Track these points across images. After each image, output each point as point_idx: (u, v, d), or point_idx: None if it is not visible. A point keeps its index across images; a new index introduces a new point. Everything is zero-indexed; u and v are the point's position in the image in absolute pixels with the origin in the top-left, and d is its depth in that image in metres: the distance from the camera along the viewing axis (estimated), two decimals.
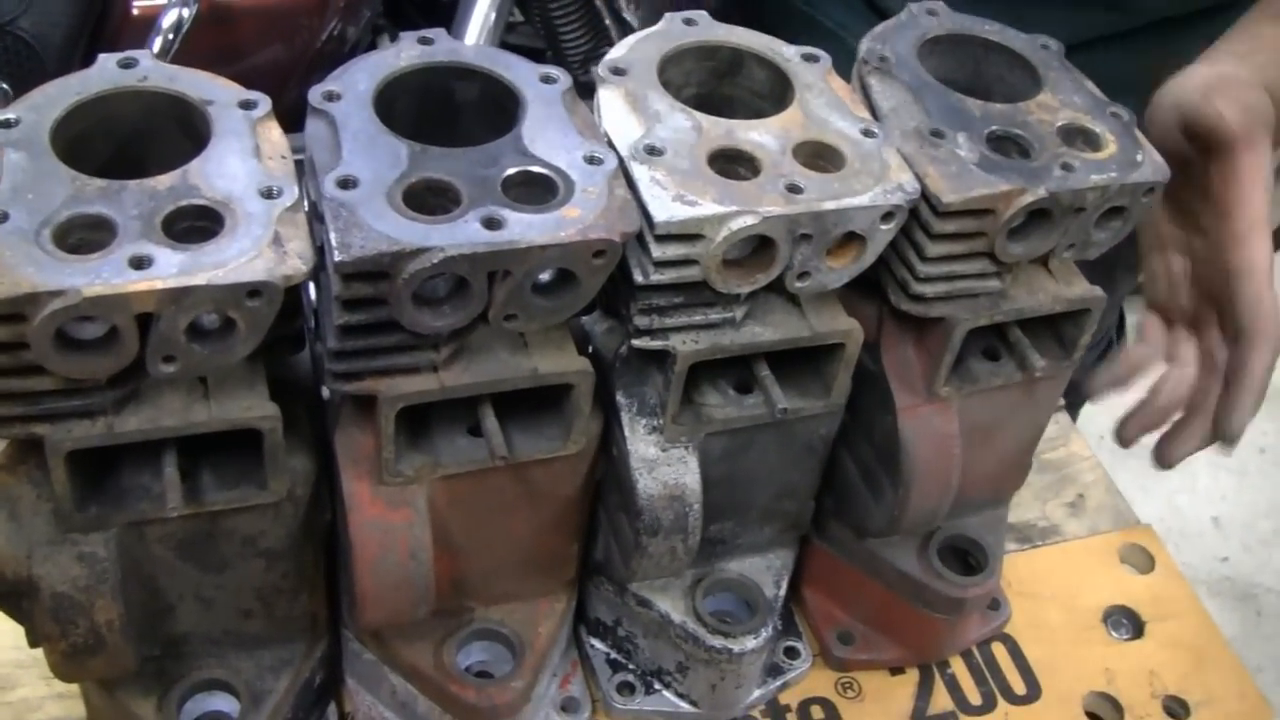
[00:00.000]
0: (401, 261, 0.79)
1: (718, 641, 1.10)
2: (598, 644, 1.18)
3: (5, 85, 2.05)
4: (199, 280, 0.76)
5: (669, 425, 0.97)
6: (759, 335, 0.95)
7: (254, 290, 0.77)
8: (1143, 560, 1.40)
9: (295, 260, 0.79)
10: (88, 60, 2.22)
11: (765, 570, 1.15)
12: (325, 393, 0.95)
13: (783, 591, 1.15)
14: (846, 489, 1.13)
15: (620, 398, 0.97)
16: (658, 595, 1.10)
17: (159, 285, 0.76)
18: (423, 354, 0.86)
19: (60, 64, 2.10)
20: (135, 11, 2.37)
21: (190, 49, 2.13)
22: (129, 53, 0.92)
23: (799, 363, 1.00)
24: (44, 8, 2.06)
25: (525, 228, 0.81)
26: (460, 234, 0.80)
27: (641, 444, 0.97)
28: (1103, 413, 3.71)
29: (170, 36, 2.12)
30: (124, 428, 0.83)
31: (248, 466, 0.90)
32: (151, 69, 0.91)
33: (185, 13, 2.10)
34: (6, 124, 0.85)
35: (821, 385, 1.01)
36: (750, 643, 1.10)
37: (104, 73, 0.91)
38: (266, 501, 0.90)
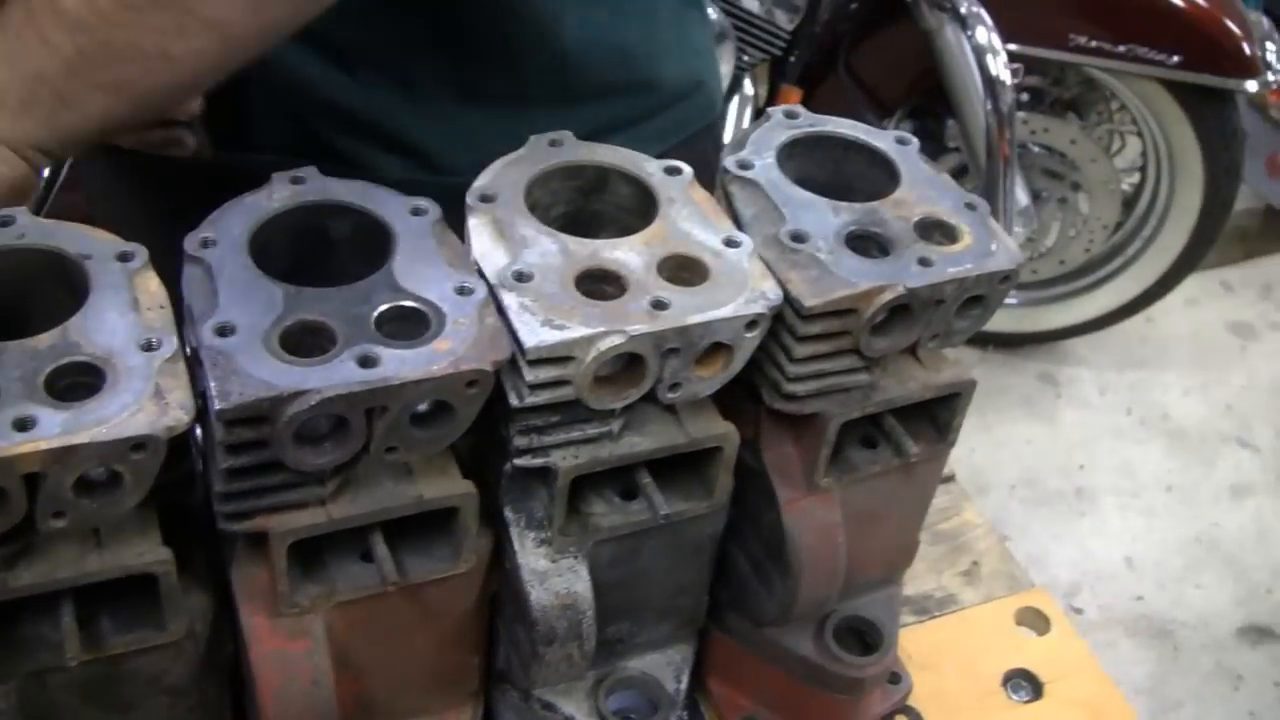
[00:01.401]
0: (280, 405, 0.82)
1: None
2: None
3: None
4: (82, 439, 0.79)
5: (556, 537, 1.00)
6: (637, 445, 0.98)
7: (138, 444, 0.80)
8: (1039, 622, 1.44)
9: (177, 411, 0.81)
10: None
11: (665, 665, 1.17)
12: None
13: (684, 685, 1.17)
14: (739, 581, 1.17)
15: (508, 513, 1.00)
16: (561, 699, 1.13)
17: (43, 445, 0.78)
18: (309, 490, 0.88)
19: None
20: None
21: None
22: (3, 210, 0.94)
23: (680, 465, 1.03)
24: None
25: (399, 364, 0.84)
26: (336, 374, 0.83)
27: (531, 557, 1.00)
28: (1012, 462, 3.76)
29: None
30: (18, 582, 0.85)
31: (146, 607, 0.91)
32: (28, 225, 0.93)
33: None
34: None
35: (703, 487, 1.04)
36: None
37: None
38: (166, 641, 0.92)
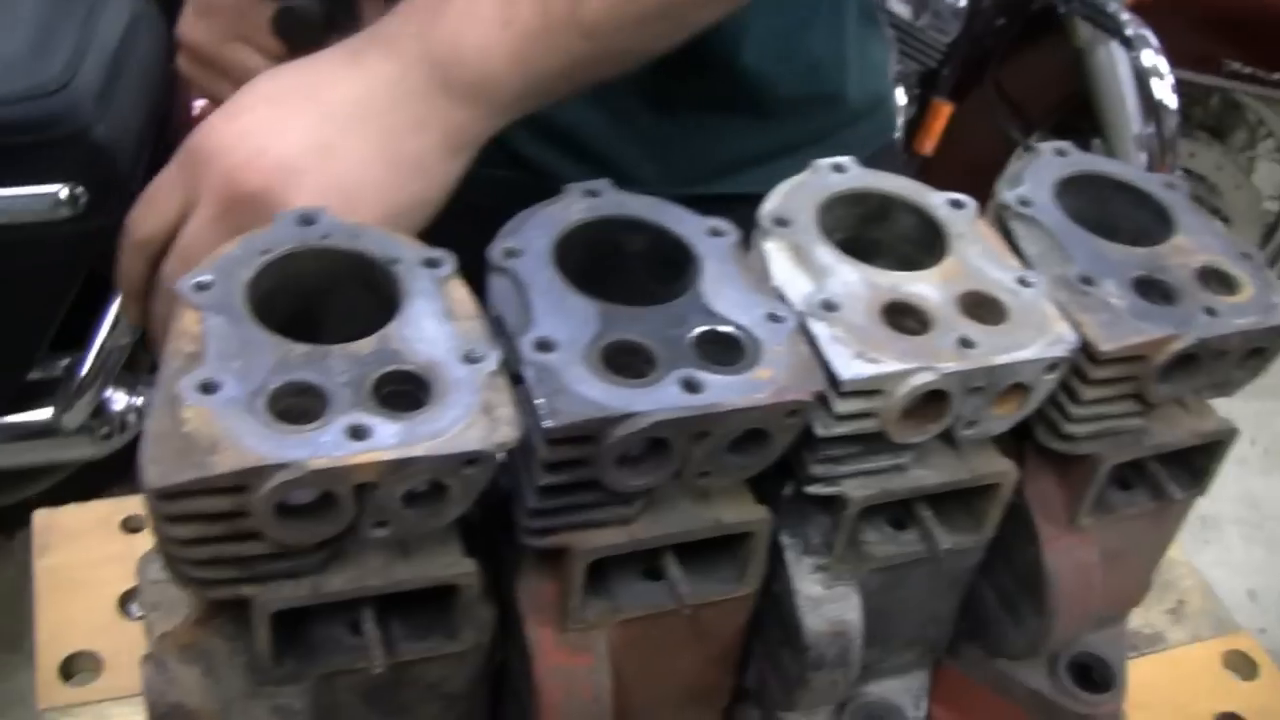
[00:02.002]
0: (609, 427, 0.82)
1: None
2: None
3: (80, 188, 2.07)
4: (419, 451, 0.78)
5: (834, 564, 0.99)
6: (923, 479, 0.97)
7: (471, 459, 0.80)
8: (1245, 666, 1.42)
9: (506, 428, 0.81)
10: (152, 164, 2.28)
11: (905, 692, 1.17)
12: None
13: (923, 713, 1.17)
14: (982, 613, 1.16)
15: (785, 538, 1.00)
16: None
17: (381, 457, 0.78)
18: (616, 509, 0.88)
19: (131, 167, 2.13)
20: (196, 111, 2.41)
21: None
22: (306, 208, 0.94)
23: (950, 499, 1.02)
24: (119, 113, 2.09)
25: (723, 390, 0.84)
26: (663, 398, 0.83)
27: (807, 583, 1.00)
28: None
29: None
30: (329, 587, 0.85)
31: (433, 617, 0.92)
32: (330, 225, 0.94)
33: None
34: (200, 286, 0.88)
35: (973, 521, 1.03)
36: None
37: (284, 229, 0.93)
38: (457, 650, 0.92)
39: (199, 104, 2.43)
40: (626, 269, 0.99)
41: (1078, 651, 1.22)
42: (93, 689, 1.27)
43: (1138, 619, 1.44)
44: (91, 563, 1.38)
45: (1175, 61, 3.08)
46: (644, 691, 1.02)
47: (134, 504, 1.43)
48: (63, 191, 2.05)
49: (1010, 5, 3.14)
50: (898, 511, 1.02)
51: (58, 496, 3.15)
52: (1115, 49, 2.88)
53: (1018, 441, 1.07)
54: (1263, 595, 3.38)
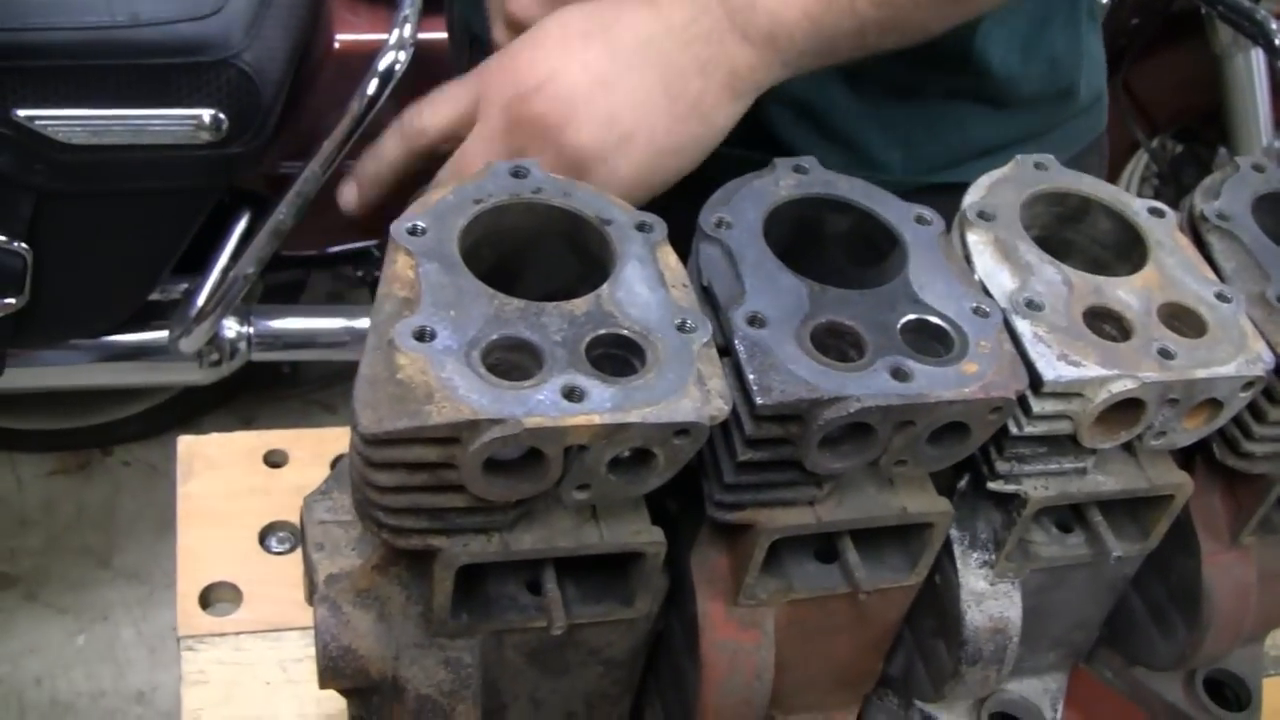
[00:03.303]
0: (818, 408, 0.82)
1: None
2: None
3: (223, 115, 2.09)
4: (633, 418, 0.79)
5: (1002, 562, 0.99)
6: (1102, 485, 0.97)
7: (682, 429, 0.80)
8: None
9: (718, 400, 0.81)
10: (291, 97, 2.27)
11: (1043, 693, 1.17)
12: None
13: (1059, 715, 1.17)
14: (1128, 621, 1.16)
15: (954, 531, 1.00)
16: (943, 712, 1.13)
17: (596, 420, 0.78)
18: (806, 490, 0.89)
19: (273, 97, 2.14)
20: (338, 46, 2.42)
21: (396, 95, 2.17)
22: (520, 161, 0.95)
23: (1117, 506, 1.02)
24: (266, 41, 2.11)
25: (931, 381, 0.84)
26: (874, 384, 0.83)
27: (972, 577, 1.00)
28: None
29: (380, 82, 2.15)
30: (519, 545, 0.85)
31: (607, 582, 0.92)
32: (543, 180, 0.94)
33: (401, 57, 2.13)
34: (414, 230, 0.88)
35: (1139, 530, 1.03)
36: None
37: (496, 180, 0.93)
38: (630, 617, 0.93)
39: (343, 36, 2.44)
40: (825, 248, 0.99)
41: (1214, 668, 1.22)
42: (231, 620, 1.28)
43: (1269, 639, 1.43)
44: (233, 493, 1.39)
45: None
46: (799, 671, 1.03)
47: (276, 438, 1.45)
48: (206, 115, 2.07)
49: (1147, 5, 3.11)
50: (1064, 514, 1.02)
51: (152, 420, 3.21)
52: (1256, 56, 2.84)
53: (1187, 456, 1.06)
54: None
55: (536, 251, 0.95)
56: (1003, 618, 1.00)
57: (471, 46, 1.48)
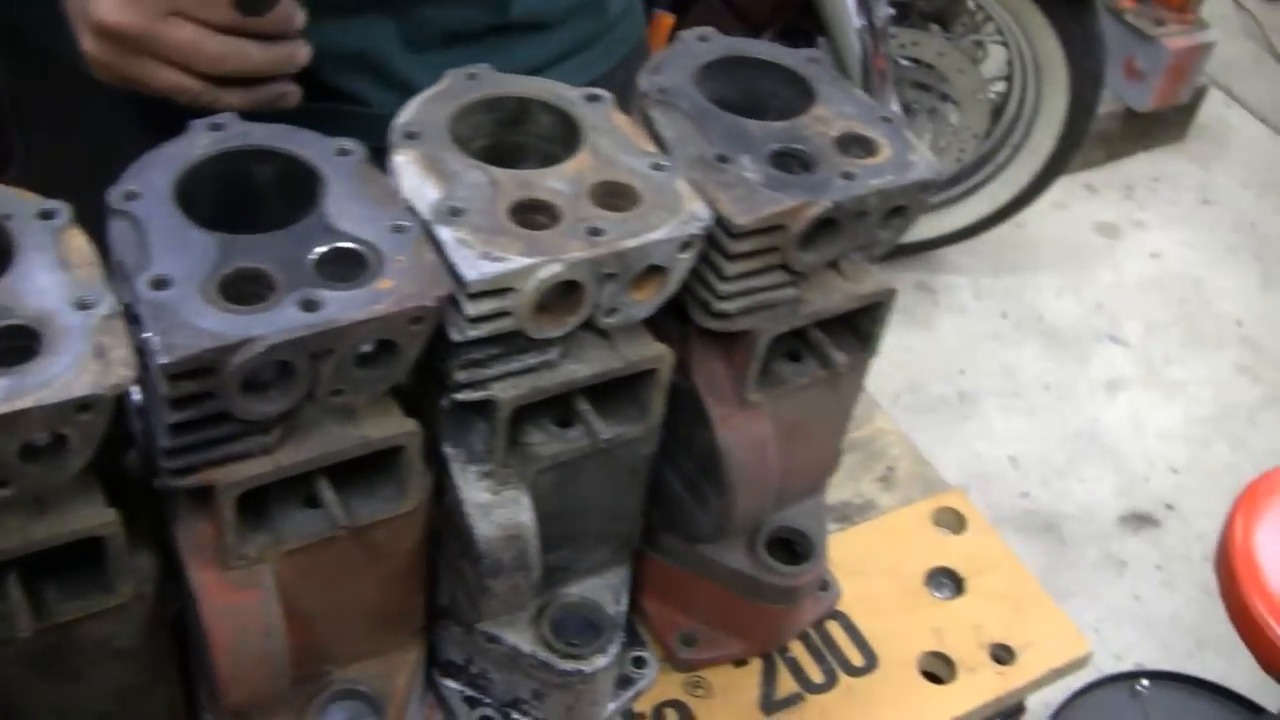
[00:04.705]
0: (226, 355, 0.81)
1: (569, 665, 1.13)
2: (452, 684, 1.20)
3: None
4: (27, 403, 0.77)
5: (498, 469, 1.00)
6: (575, 372, 0.98)
7: (84, 404, 0.78)
8: (955, 521, 1.48)
9: (120, 369, 0.79)
10: None
11: (605, 589, 1.18)
12: None
13: (624, 607, 1.19)
14: (673, 501, 1.18)
15: (448, 449, 1.00)
16: (505, 629, 1.13)
17: None
18: (254, 439, 0.88)
19: None
20: None
21: None
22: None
23: (613, 390, 1.04)
24: None
25: (342, 306, 0.83)
26: (280, 320, 0.82)
27: (474, 491, 1.00)
28: (895, 371, 3.83)
29: None
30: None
31: (89, 572, 0.90)
32: None
33: None
34: None
35: (638, 409, 1.05)
36: (601, 661, 1.14)
37: None
38: (114, 605, 0.90)
39: None
40: (264, 200, 0.98)
41: (777, 527, 1.26)
42: None
43: (848, 490, 1.49)
44: None
45: None
46: (327, 621, 1.02)
47: None
48: None
49: None
50: (561, 409, 1.03)
51: None
52: None
53: (682, 326, 1.09)
54: (1023, 460, 3.51)
55: None
56: (515, 523, 1.01)
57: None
